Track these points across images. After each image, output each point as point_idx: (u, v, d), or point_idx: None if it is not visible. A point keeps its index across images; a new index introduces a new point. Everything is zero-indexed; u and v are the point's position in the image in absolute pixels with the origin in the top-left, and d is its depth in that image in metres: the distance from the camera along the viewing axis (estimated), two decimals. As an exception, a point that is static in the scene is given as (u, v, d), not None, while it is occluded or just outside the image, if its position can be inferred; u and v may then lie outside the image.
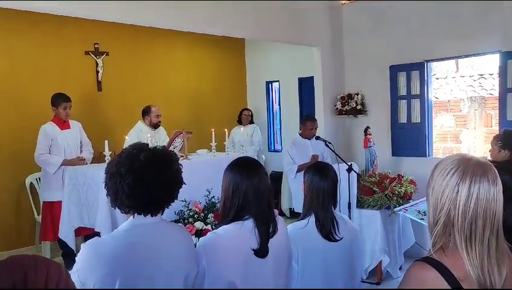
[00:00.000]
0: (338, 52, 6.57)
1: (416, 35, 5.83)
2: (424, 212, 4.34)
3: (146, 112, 5.60)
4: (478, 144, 8.45)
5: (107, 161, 4.07)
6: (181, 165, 1.82)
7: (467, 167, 1.28)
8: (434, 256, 1.29)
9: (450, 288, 1.22)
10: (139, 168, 1.66)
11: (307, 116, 5.85)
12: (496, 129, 6.80)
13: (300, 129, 5.51)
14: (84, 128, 5.35)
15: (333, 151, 4.62)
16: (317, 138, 5.11)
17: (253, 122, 7.26)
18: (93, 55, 6.26)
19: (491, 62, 7.99)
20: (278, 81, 8.05)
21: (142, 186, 1.66)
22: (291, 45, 6.64)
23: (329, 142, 4.83)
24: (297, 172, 5.14)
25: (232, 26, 5.27)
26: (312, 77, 6.69)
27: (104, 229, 3.76)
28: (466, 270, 1.24)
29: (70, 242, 4.39)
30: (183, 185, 1.84)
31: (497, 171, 1.31)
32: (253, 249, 1.90)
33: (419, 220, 4.35)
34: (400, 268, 4.82)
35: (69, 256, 4.87)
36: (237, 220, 1.96)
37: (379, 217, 4.51)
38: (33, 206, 5.54)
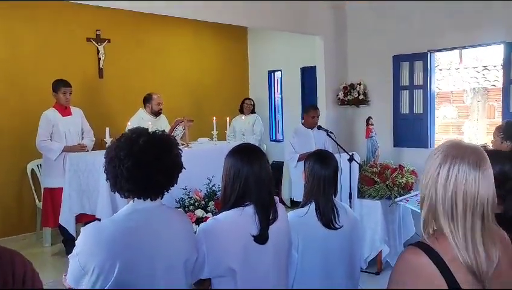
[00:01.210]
0: (341, 41, 6.53)
1: (420, 25, 5.78)
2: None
3: (147, 99, 5.59)
4: (480, 135, 8.43)
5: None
6: (180, 150, 1.82)
7: (450, 150, 1.32)
8: (426, 241, 1.32)
9: (438, 272, 1.24)
10: (138, 153, 1.65)
11: (309, 104, 5.84)
12: (498, 121, 6.77)
13: (302, 119, 5.50)
14: (85, 115, 5.35)
15: (335, 141, 4.61)
16: (319, 127, 5.09)
17: (254, 112, 7.24)
18: (94, 42, 6.23)
19: (495, 54, 7.93)
20: (280, 70, 8.01)
21: (141, 170, 1.66)
22: (293, 34, 6.61)
23: (331, 132, 4.82)
24: (298, 161, 5.14)
25: (235, 15, 5.23)
26: (314, 67, 6.65)
27: (105, 216, 3.76)
28: (454, 253, 1.26)
29: (71, 229, 4.41)
30: (184, 173, 1.84)
31: (486, 157, 1.32)
32: (253, 236, 1.91)
33: (419, 211, 4.34)
34: (400, 258, 4.83)
35: (70, 242, 4.90)
36: (237, 206, 1.96)
37: (380, 207, 4.51)
38: (34, 192, 5.56)
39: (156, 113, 5.57)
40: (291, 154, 5.27)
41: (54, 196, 5.00)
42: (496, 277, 1.27)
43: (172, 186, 1.79)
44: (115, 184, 1.70)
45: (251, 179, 1.95)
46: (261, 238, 1.92)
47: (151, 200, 1.74)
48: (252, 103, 7.23)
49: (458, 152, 1.31)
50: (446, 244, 1.28)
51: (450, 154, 1.31)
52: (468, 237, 1.26)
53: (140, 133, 1.71)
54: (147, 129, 1.76)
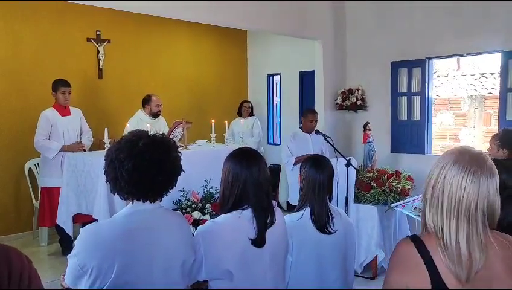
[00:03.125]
0: (340, 46, 6.56)
1: (418, 32, 5.82)
2: (421, 209, 4.37)
3: (146, 101, 5.60)
4: (477, 142, 8.47)
5: (106, 149, 4.08)
6: (180, 153, 1.83)
7: (446, 154, 1.42)
8: (421, 234, 1.42)
9: (423, 263, 1.34)
10: (138, 155, 1.67)
11: (308, 108, 5.87)
12: (495, 128, 6.81)
13: (300, 123, 5.52)
14: (84, 115, 5.35)
15: (332, 146, 4.63)
16: (317, 132, 5.12)
17: (253, 115, 7.26)
18: (94, 43, 6.25)
19: (493, 61, 7.98)
20: (279, 74, 8.04)
21: (141, 172, 1.68)
22: (293, 38, 6.63)
23: (329, 137, 4.85)
24: (294, 164, 5.16)
25: (235, 18, 5.25)
26: (313, 71, 6.68)
27: (102, 217, 3.77)
28: (435, 244, 1.35)
29: (68, 229, 4.40)
30: (182, 174, 1.85)
31: (484, 166, 1.36)
32: (251, 239, 1.92)
33: (415, 217, 4.37)
34: (395, 263, 4.85)
35: (66, 242, 4.91)
36: (236, 209, 1.98)
37: (376, 213, 4.53)
38: (31, 191, 5.56)
39: (155, 115, 5.58)
40: (288, 157, 5.29)
41: (51, 196, 5.00)
42: (483, 279, 1.31)
43: (172, 188, 1.81)
44: (115, 186, 1.72)
45: (249, 183, 1.97)
46: (259, 241, 1.94)
47: (150, 202, 1.75)
48: (250, 105, 7.25)
49: (456, 157, 1.38)
50: (433, 240, 1.36)
51: (447, 158, 1.39)
52: (452, 237, 1.33)
53: (140, 135, 1.73)
54: (147, 132, 1.78)
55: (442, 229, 1.35)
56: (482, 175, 1.34)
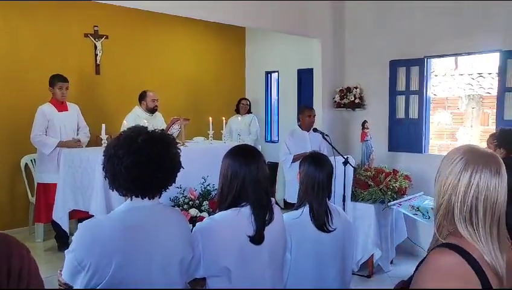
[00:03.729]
0: (339, 44, 6.55)
1: (417, 31, 5.81)
2: (417, 208, 4.38)
3: (142, 96, 5.58)
4: (474, 142, 8.48)
5: (103, 145, 4.07)
6: (179, 149, 1.82)
7: (471, 157, 1.34)
8: (449, 241, 1.32)
9: (473, 271, 1.25)
10: (137, 151, 1.65)
11: (304, 105, 5.87)
12: (492, 128, 6.82)
13: (298, 121, 5.51)
14: (81, 111, 5.33)
15: (330, 144, 4.63)
16: (315, 130, 5.12)
17: (251, 112, 7.26)
18: (92, 38, 6.22)
19: (490, 61, 7.98)
20: (277, 71, 8.03)
21: (140, 169, 1.66)
22: (291, 36, 6.62)
23: (327, 135, 4.84)
24: (292, 162, 5.16)
25: (234, 15, 5.23)
26: (311, 69, 6.67)
27: (99, 213, 3.76)
28: (479, 253, 1.28)
29: (64, 225, 4.40)
30: (180, 170, 1.84)
31: (503, 164, 1.35)
32: (249, 236, 1.92)
33: (412, 215, 4.38)
34: (391, 262, 4.87)
35: (62, 238, 4.90)
36: (234, 206, 1.97)
37: (373, 211, 4.54)
38: (27, 187, 5.53)
39: (151, 110, 5.55)
40: (286, 155, 5.28)
41: (47, 192, 4.98)
42: (509, 275, 1.31)
43: (171, 185, 1.80)
44: (113, 182, 1.70)
45: (248, 181, 1.97)
46: (257, 238, 1.93)
47: (149, 198, 1.74)
48: (248, 103, 7.25)
49: (479, 159, 1.33)
50: (470, 245, 1.30)
51: (471, 161, 1.33)
52: (489, 242, 1.29)
53: (139, 131, 1.72)
54: (146, 128, 1.76)
55: (479, 234, 1.29)
56: (505, 176, 1.34)
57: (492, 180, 1.30)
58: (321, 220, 2.37)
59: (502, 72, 5.23)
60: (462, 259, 1.26)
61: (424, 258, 1.36)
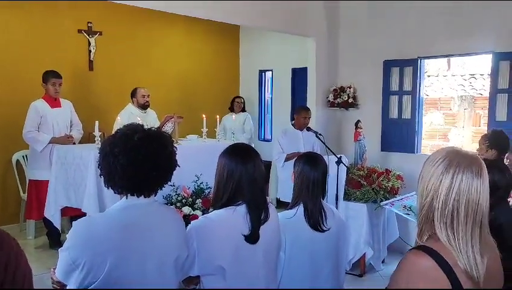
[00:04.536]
0: (333, 44, 6.56)
1: (411, 31, 5.84)
2: (410, 208, 4.40)
3: (133, 93, 5.56)
4: (466, 143, 8.55)
5: (96, 142, 4.05)
6: (176, 147, 1.82)
7: (453, 158, 1.33)
8: (427, 244, 1.33)
9: (445, 276, 1.26)
10: (132, 149, 1.64)
11: (301, 105, 5.87)
12: (484, 129, 6.88)
13: (292, 120, 5.52)
14: (74, 107, 5.29)
15: (323, 143, 4.64)
16: (308, 129, 5.12)
17: (245, 111, 7.25)
18: (86, 34, 6.18)
19: (482, 63, 8.05)
20: (271, 70, 8.02)
21: (136, 167, 1.65)
22: (286, 34, 6.62)
23: (320, 134, 4.85)
24: (285, 161, 5.16)
25: (228, 13, 5.22)
26: (305, 68, 6.68)
27: (91, 211, 3.74)
28: (454, 258, 1.28)
29: (56, 222, 4.37)
30: (176, 169, 1.84)
31: (485, 166, 1.35)
32: (244, 235, 1.92)
33: (404, 215, 4.40)
34: (383, 261, 4.90)
35: (54, 235, 4.87)
36: (230, 205, 1.97)
37: (365, 210, 4.56)
38: (19, 184, 5.49)
39: (143, 107, 5.51)
40: (279, 154, 5.28)
41: (39, 188, 4.95)
42: (486, 278, 1.31)
43: (166, 183, 1.79)
44: (109, 180, 1.69)
45: (244, 180, 1.96)
46: (252, 238, 1.93)
47: (145, 196, 1.73)
48: (242, 101, 7.24)
49: (461, 160, 1.32)
50: (446, 250, 1.30)
51: (453, 162, 1.32)
52: (469, 245, 1.29)
53: (135, 129, 1.70)
54: (142, 125, 1.75)
55: (458, 239, 1.29)
56: (487, 178, 1.33)
57: (474, 182, 1.30)
58: (315, 219, 2.38)
59: (494, 74, 5.28)
60: (435, 263, 1.27)
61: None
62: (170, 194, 3.99)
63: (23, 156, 5.51)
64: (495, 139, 3.78)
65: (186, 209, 3.88)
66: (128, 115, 5.18)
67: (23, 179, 5.46)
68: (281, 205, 4.93)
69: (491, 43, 5.22)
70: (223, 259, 1.88)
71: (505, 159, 3.73)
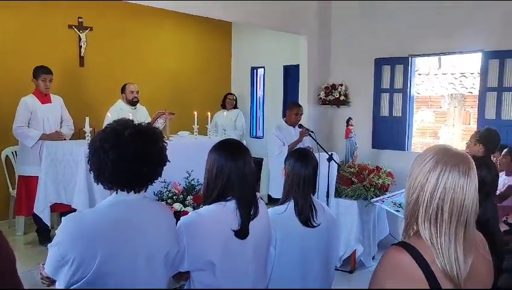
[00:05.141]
0: (325, 42, 6.58)
1: (402, 30, 5.88)
2: (400, 205, 4.44)
3: (122, 89, 5.52)
4: (456, 140, 8.63)
5: (87, 138, 4.03)
6: (166, 143, 1.81)
7: (441, 157, 1.33)
8: (408, 240, 1.35)
9: (422, 272, 1.28)
10: (123, 145, 1.64)
11: (293, 102, 5.86)
12: (473, 127, 6.95)
13: (283, 117, 5.51)
14: (64, 103, 5.25)
15: (315, 140, 4.65)
16: (300, 126, 5.13)
17: (237, 107, 7.25)
18: (76, 30, 6.13)
19: (472, 62, 8.13)
20: (263, 67, 8.03)
21: (126, 163, 1.65)
22: (278, 32, 6.62)
23: (312, 131, 4.86)
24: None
25: (221, 9, 5.21)
26: (297, 66, 6.69)
27: (81, 207, 3.72)
28: (433, 255, 1.30)
29: (46, 218, 4.34)
30: (166, 164, 1.83)
31: (474, 165, 1.35)
32: (234, 230, 1.92)
33: (394, 212, 4.43)
34: (373, 258, 4.92)
35: (44, 232, 4.84)
36: (219, 200, 1.97)
37: (356, 207, 4.58)
38: (8, 179, 5.44)
39: (131, 103, 5.47)
40: (280, 147, 5.16)
41: (28, 184, 4.91)
42: (470, 277, 1.31)
43: (156, 179, 1.79)
44: (99, 175, 1.69)
45: (234, 175, 1.96)
46: (242, 233, 1.94)
47: (135, 192, 1.73)
48: (234, 98, 7.24)
49: (449, 159, 1.32)
50: (425, 247, 1.31)
51: (440, 161, 1.32)
52: (451, 244, 1.29)
53: (126, 125, 1.70)
54: (133, 121, 1.75)
55: (439, 238, 1.30)
56: (475, 177, 1.33)
57: (460, 181, 1.30)
58: (306, 215, 2.39)
59: (484, 72, 5.33)
60: (412, 259, 1.29)
61: None
62: (161, 191, 3.98)
63: (12, 152, 5.46)
64: (486, 136, 3.81)
65: (177, 206, 3.87)
66: (118, 111, 5.14)
67: (13, 175, 5.42)
68: (273, 201, 4.93)
69: (481, 41, 5.28)
70: (213, 254, 1.89)
71: (491, 157, 3.78)
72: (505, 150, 3.90)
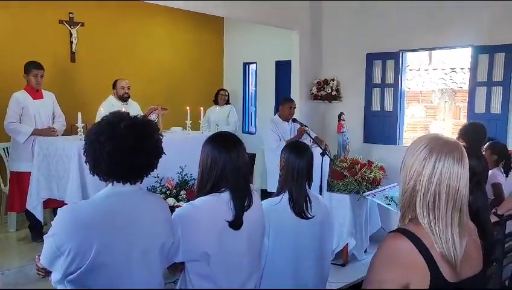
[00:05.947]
0: (316, 37, 6.60)
1: (393, 25, 5.91)
2: (391, 198, 4.49)
3: (113, 85, 5.51)
4: (446, 134, 8.70)
5: (79, 133, 4.02)
6: (161, 135, 1.83)
7: (435, 145, 1.37)
8: (407, 227, 1.38)
9: (422, 257, 1.31)
10: (119, 137, 1.65)
11: (286, 96, 5.86)
12: (463, 121, 7.01)
13: (276, 112, 5.52)
14: (56, 99, 5.23)
15: (308, 135, 4.68)
16: (294, 120, 5.15)
17: (229, 103, 7.25)
18: (67, 25, 6.09)
19: (462, 57, 8.20)
20: (255, 63, 8.03)
21: (122, 154, 1.66)
22: (270, 27, 6.63)
23: (306, 126, 4.88)
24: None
25: (212, 4, 5.21)
26: (289, 61, 6.71)
27: (74, 202, 3.71)
28: (432, 240, 1.33)
29: (38, 214, 4.33)
30: (162, 156, 1.84)
31: (465, 153, 1.39)
32: (228, 221, 1.94)
33: (386, 205, 4.49)
34: (365, 251, 4.98)
35: (36, 228, 4.81)
36: (213, 192, 1.99)
37: (348, 201, 4.63)
38: (0, 176, 5.41)
39: (122, 98, 5.45)
40: (277, 142, 5.14)
41: (20, 180, 4.88)
42: (464, 260, 1.36)
43: (152, 171, 1.80)
44: (95, 167, 1.69)
45: (228, 168, 1.99)
46: (236, 224, 1.96)
47: (131, 184, 1.74)
48: (227, 93, 7.24)
49: (443, 147, 1.36)
50: (424, 232, 1.34)
51: (435, 149, 1.36)
52: (448, 229, 1.33)
53: (121, 117, 1.71)
54: (128, 113, 1.76)
55: (437, 223, 1.33)
56: (467, 164, 1.38)
57: (455, 168, 1.34)
58: (300, 207, 2.41)
59: (474, 67, 5.38)
60: (414, 246, 1.31)
61: None
62: (154, 186, 3.99)
63: (4, 149, 5.42)
64: (466, 130, 3.85)
65: (171, 201, 3.88)
66: (109, 107, 5.11)
67: (4, 172, 5.38)
68: (268, 196, 4.89)
69: (471, 36, 5.33)
70: (208, 245, 1.90)
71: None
72: (486, 145, 3.91)
